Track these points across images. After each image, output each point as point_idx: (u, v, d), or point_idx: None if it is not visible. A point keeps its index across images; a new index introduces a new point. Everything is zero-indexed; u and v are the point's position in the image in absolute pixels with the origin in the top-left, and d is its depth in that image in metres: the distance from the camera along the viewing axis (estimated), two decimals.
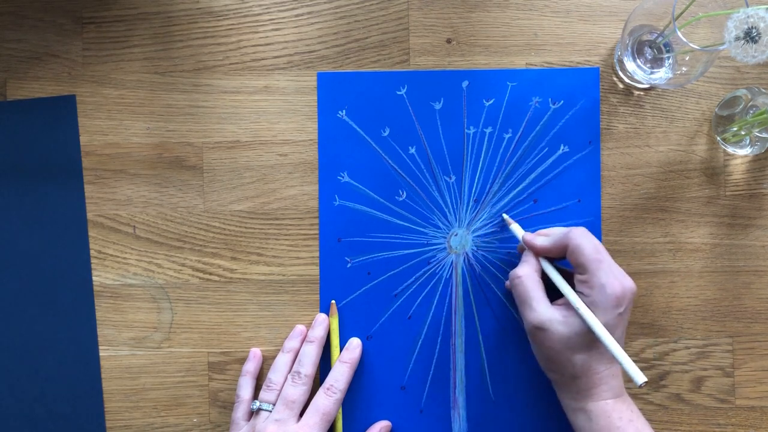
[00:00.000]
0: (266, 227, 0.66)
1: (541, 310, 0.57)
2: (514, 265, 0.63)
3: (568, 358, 0.57)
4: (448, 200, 0.65)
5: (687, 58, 0.64)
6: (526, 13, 0.66)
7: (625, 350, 0.65)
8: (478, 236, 0.66)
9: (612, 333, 0.55)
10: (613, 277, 0.56)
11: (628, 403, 0.58)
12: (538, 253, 0.61)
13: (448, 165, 0.66)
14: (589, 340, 0.56)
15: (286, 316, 0.66)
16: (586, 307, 0.56)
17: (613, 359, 0.57)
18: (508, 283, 0.64)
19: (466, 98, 0.66)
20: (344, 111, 0.66)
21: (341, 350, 0.64)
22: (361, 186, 0.65)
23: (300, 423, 0.60)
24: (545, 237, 0.61)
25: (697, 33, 0.62)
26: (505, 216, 0.65)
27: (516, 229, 0.64)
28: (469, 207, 0.66)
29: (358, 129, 0.66)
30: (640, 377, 0.53)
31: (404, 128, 0.66)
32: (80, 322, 0.65)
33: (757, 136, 0.64)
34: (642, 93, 0.66)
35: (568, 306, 0.57)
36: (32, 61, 0.66)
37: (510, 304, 0.65)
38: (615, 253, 0.65)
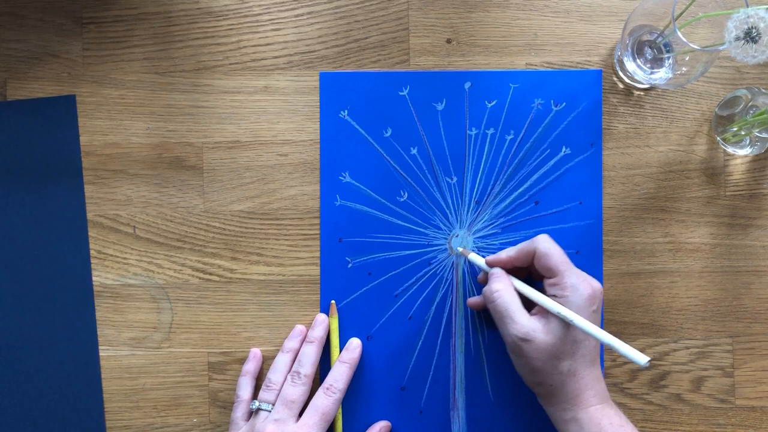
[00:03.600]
0: (266, 227, 0.66)
1: (523, 321, 0.57)
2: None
3: (554, 366, 0.57)
4: (450, 201, 0.65)
5: (687, 58, 0.64)
6: (526, 13, 0.66)
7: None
8: (479, 237, 0.66)
9: None
10: (582, 278, 0.58)
11: (615, 408, 0.58)
12: (506, 265, 0.61)
13: (449, 166, 0.65)
14: (571, 345, 0.57)
15: (286, 316, 0.66)
16: (565, 308, 0.56)
17: (596, 360, 0.58)
18: (474, 300, 0.64)
19: (468, 99, 0.66)
20: (346, 111, 0.66)
21: (341, 350, 0.64)
22: (362, 186, 0.65)
23: (299, 423, 0.60)
24: (508, 249, 0.61)
25: (697, 33, 0.62)
26: (460, 249, 0.65)
27: (475, 257, 0.63)
28: (471, 208, 0.66)
29: (360, 129, 0.66)
30: (642, 358, 0.53)
31: (406, 129, 0.66)
32: (80, 322, 0.65)
33: (757, 136, 0.64)
34: (642, 93, 0.66)
35: (544, 314, 0.57)
36: (32, 61, 0.66)
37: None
38: (615, 253, 0.65)
